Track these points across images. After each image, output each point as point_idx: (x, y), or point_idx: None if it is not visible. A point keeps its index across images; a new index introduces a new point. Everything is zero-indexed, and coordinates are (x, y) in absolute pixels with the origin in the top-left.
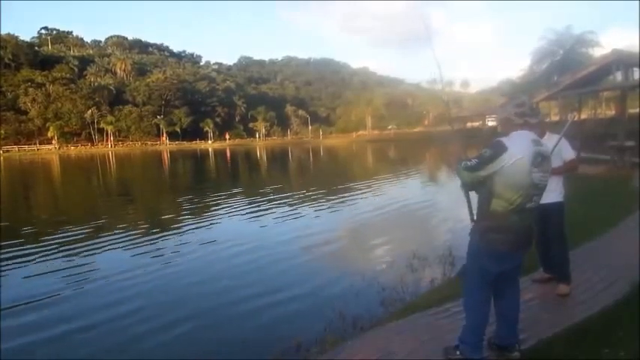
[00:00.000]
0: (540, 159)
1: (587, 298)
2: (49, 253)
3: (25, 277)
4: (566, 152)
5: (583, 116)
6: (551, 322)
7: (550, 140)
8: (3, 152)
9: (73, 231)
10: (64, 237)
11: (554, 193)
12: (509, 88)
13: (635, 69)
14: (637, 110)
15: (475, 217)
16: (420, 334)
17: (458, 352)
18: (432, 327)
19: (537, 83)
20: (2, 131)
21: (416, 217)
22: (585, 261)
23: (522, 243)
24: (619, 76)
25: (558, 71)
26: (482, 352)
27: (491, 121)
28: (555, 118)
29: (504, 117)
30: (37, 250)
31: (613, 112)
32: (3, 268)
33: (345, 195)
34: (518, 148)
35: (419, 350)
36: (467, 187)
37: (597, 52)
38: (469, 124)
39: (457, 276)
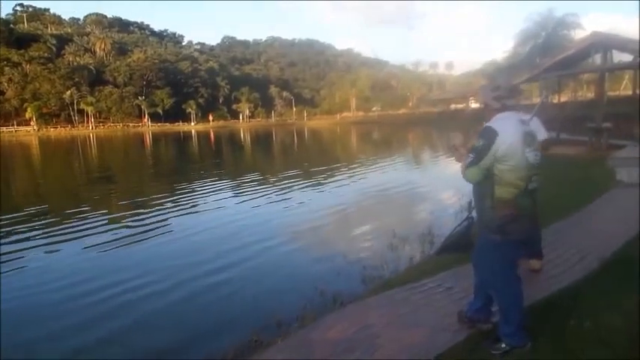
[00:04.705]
0: (530, 138)
1: (557, 273)
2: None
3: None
4: (539, 132)
5: (564, 98)
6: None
7: None
8: None
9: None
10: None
11: None
12: (493, 70)
13: (615, 51)
14: (617, 93)
15: (477, 211)
16: (397, 308)
17: (504, 345)
18: (409, 301)
19: (520, 65)
20: None
21: (399, 198)
22: (558, 238)
23: (534, 226)
24: (598, 59)
25: (540, 53)
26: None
27: (475, 103)
28: (537, 99)
29: (483, 102)
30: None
31: (593, 95)
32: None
33: (330, 178)
34: (508, 130)
35: (395, 322)
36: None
37: (579, 35)
38: (453, 106)
39: (436, 254)
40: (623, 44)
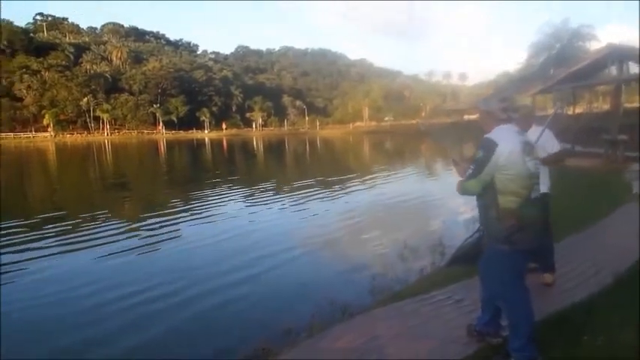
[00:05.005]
0: (529, 147)
1: (570, 287)
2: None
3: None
4: (551, 144)
5: (579, 110)
6: (534, 309)
7: (536, 132)
8: None
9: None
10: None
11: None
12: (506, 81)
13: (631, 63)
14: (636, 105)
15: (483, 222)
16: (406, 320)
17: None
18: (418, 313)
19: (534, 76)
20: None
21: (411, 209)
22: (572, 252)
23: (543, 236)
24: (614, 71)
25: (555, 65)
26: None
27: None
28: (551, 111)
29: (487, 111)
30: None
31: (609, 106)
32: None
33: (342, 188)
34: (507, 140)
35: (404, 335)
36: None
37: (594, 46)
38: (466, 117)
39: (446, 266)
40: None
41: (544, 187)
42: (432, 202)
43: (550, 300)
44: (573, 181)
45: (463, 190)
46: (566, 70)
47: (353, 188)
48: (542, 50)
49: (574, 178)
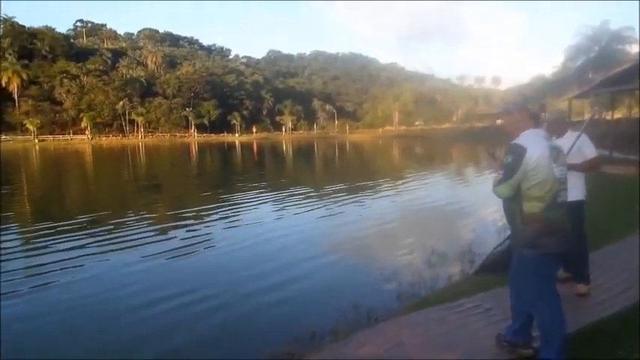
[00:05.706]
0: (555, 152)
1: (605, 299)
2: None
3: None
4: (588, 150)
5: (618, 115)
6: (567, 320)
7: (571, 138)
8: (39, 141)
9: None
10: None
11: (574, 191)
12: (541, 84)
13: None
14: None
15: (510, 228)
16: (432, 328)
17: None
18: (445, 321)
19: (570, 80)
20: (38, 121)
21: (441, 214)
22: (609, 261)
23: (568, 240)
24: None
25: (593, 68)
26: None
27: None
28: (588, 116)
29: (518, 117)
30: None
31: None
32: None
33: (371, 192)
34: (535, 145)
35: (429, 343)
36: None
37: (635, 49)
38: (498, 122)
39: (474, 274)
40: None
41: (579, 193)
42: (463, 208)
43: (584, 311)
44: (611, 189)
45: (495, 193)
46: (604, 74)
47: (382, 193)
48: (579, 53)
49: (612, 185)
